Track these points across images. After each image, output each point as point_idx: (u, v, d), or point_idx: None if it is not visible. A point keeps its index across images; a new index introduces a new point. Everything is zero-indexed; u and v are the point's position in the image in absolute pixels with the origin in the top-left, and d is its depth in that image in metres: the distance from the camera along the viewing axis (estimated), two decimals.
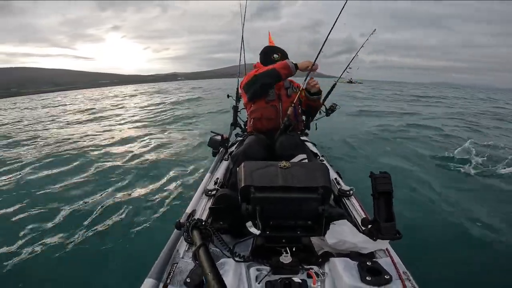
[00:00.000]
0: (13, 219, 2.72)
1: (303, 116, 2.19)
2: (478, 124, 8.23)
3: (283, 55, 1.90)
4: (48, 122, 9.99)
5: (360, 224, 1.06)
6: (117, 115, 10.58)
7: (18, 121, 10.97)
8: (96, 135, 6.77)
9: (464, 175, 3.78)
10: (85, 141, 6.07)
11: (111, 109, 12.93)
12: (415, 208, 2.79)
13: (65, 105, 17.89)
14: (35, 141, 6.43)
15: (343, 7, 1.86)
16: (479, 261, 2.05)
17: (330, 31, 1.84)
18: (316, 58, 1.82)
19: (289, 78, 1.93)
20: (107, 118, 9.94)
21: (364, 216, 1.22)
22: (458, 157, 4.35)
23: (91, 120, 9.72)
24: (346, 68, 2.48)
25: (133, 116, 10.22)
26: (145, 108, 12.62)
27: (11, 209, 2.92)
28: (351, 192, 1.43)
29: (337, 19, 1.84)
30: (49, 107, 17.29)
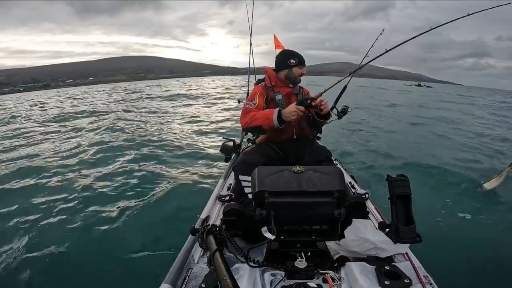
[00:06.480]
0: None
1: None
2: None
3: (300, 61, 1.85)
4: None
5: (377, 228, 1.03)
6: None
7: None
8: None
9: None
10: None
11: None
12: (438, 210, 2.70)
13: None
14: None
15: None
16: (507, 264, 1.96)
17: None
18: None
19: (299, 85, 1.90)
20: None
21: (381, 220, 1.19)
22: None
23: None
24: (354, 71, 2.40)
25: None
26: None
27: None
28: (367, 196, 1.40)
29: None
30: None
